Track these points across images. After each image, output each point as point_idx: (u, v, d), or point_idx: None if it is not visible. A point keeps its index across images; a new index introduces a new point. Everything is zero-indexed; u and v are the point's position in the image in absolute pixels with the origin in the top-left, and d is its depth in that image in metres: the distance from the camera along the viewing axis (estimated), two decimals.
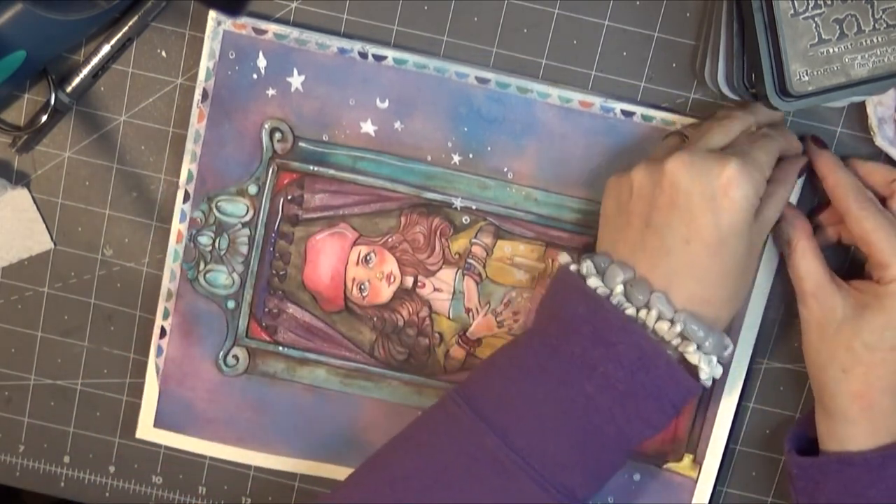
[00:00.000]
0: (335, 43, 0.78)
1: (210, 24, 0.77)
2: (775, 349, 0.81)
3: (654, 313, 0.67)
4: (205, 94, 0.78)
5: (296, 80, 0.78)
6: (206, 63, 0.78)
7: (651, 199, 0.69)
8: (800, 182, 0.77)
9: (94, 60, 0.78)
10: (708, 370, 0.69)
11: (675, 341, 0.68)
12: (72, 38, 0.77)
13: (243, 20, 0.77)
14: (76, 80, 0.78)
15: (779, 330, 0.81)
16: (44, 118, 0.78)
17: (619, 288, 0.68)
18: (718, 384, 0.80)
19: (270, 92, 0.79)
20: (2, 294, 0.83)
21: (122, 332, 0.83)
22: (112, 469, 0.85)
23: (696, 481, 0.82)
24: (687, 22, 0.77)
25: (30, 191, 0.81)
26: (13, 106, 0.80)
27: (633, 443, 0.70)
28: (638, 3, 0.77)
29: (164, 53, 0.79)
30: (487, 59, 0.78)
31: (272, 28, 0.77)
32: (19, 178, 0.81)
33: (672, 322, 0.67)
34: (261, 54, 0.78)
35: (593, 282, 0.69)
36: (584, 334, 0.68)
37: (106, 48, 0.78)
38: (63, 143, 0.80)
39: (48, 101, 0.78)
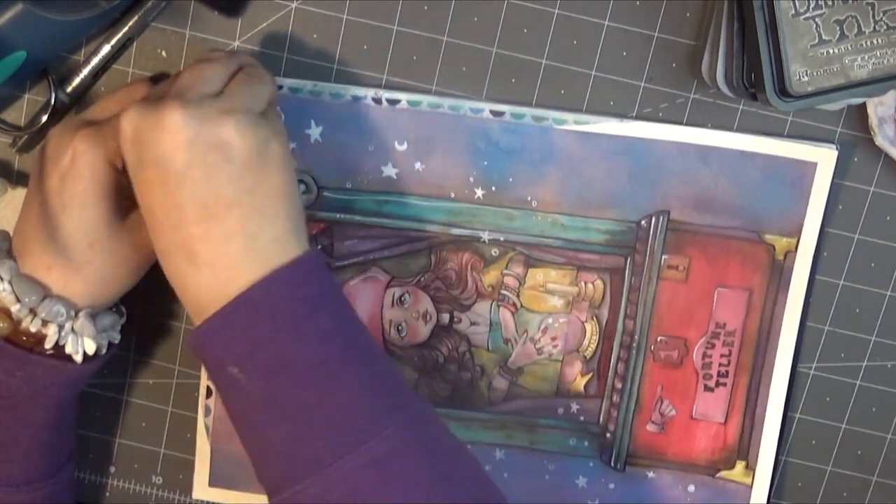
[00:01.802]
0: (348, 92, 0.78)
1: None
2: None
3: None
4: None
5: (314, 132, 0.79)
6: None
7: (32, 169, 0.73)
8: None
9: (94, 60, 0.78)
10: (50, 340, 0.69)
11: (15, 308, 0.69)
12: (72, 38, 0.77)
13: None
14: (76, 80, 0.78)
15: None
16: (44, 118, 0.78)
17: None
18: (763, 388, 0.82)
19: (291, 145, 0.79)
20: None
21: (123, 331, 0.83)
22: (112, 469, 0.85)
23: (751, 487, 0.83)
24: (687, 22, 0.77)
25: None
26: (13, 106, 0.80)
27: (40, 419, 0.72)
28: (638, 3, 0.77)
29: (164, 53, 0.79)
30: (487, 59, 0.78)
31: (286, 83, 0.78)
32: (19, 179, 0.81)
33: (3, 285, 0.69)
34: (277, 109, 0.78)
35: None
36: None
37: (106, 48, 0.77)
38: None
39: (48, 100, 0.78)
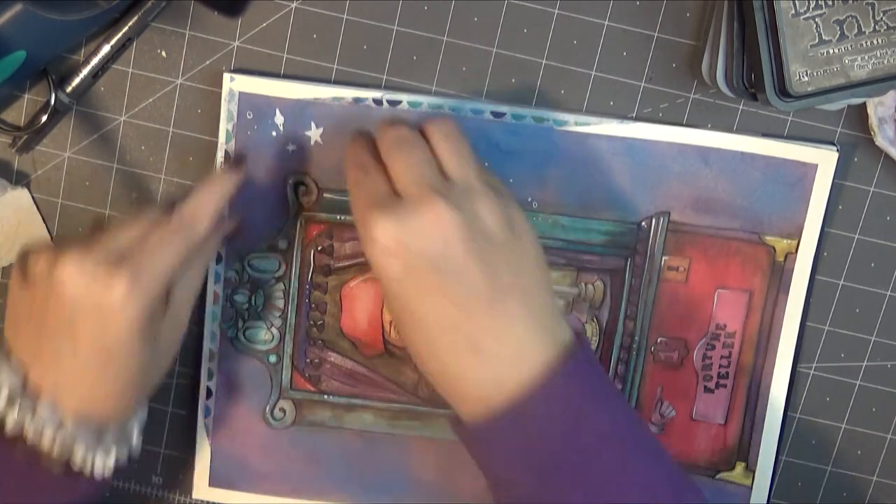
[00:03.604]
0: (349, 93, 0.78)
1: (225, 87, 0.78)
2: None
3: (34, 426, 0.66)
4: (227, 156, 0.79)
5: (314, 134, 0.79)
6: (224, 125, 0.78)
7: (45, 299, 0.66)
8: None
9: (94, 60, 0.78)
10: (101, 462, 0.68)
11: (58, 450, 0.66)
12: (72, 38, 0.77)
13: (257, 80, 0.78)
14: (76, 80, 0.78)
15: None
16: (44, 118, 0.78)
17: (5, 392, 0.66)
18: (763, 389, 0.82)
19: (291, 147, 0.79)
20: (2, 294, 0.83)
21: None
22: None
23: (751, 488, 0.83)
24: (687, 22, 0.77)
25: (30, 191, 0.81)
26: (13, 106, 0.80)
27: None
28: (638, 3, 0.77)
29: (164, 53, 0.79)
30: (487, 59, 0.78)
31: (287, 85, 0.78)
32: (19, 179, 0.81)
33: (56, 431, 0.66)
34: (277, 111, 0.78)
35: None
36: None
37: (106, 48, 0.77)
38: (63, 144, 0.80)
39: (48, 101, 0.78)
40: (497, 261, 0.63)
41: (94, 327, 0.65)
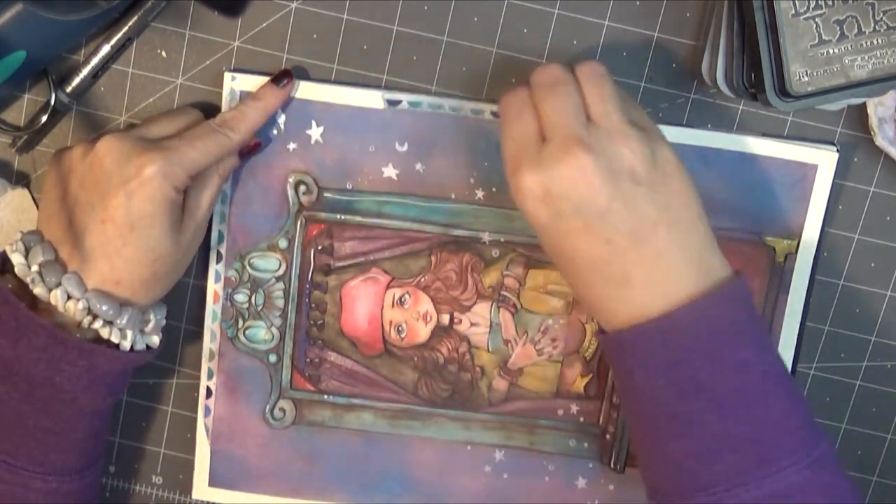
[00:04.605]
0: (349, 93, 0.78)
1: (226, 86, 0.78)
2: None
3: (59, 293, 0.69)
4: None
5: (315, 132, 0.79)
6: None
7: (81, 178, 0.71)
8: None
9: (94, 60, 0.78)
10: (127, 342, 0.72)
11: (87, 320, 0.70)
12: (72, 38, 0.77)
13: (258, 80, 0.78)
14: (76, 80, 0.78)
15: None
16: (44, 118, 0.78)
17: (35, 268, 0.70)
18: None
19: (291, 146, 0.79)
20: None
21: None
22: (112, 469, 0.85)
23: None
24: (687, 22, 0.77)
25: (30, 191, 0.81)
26: (13, 106, 0.80)
27: (97, 407, 0.73)
28: (638, 3, 0.76)
29: (164, 53, 0.79)
30: (487, 59, 0.78)
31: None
32: (19, 179, 0.81)
33: (77, 301, 0.70)
34: (278, 110, 0.78)
35: (17, 258, 0.71)
36: (5, 334, 0.70)
37: (106, 48, 0.77)
38: (63, 144, 0.80)
39: (48, 101, 0.78)
40: (642, 200, 0.66)
41: (122, 200, 0.69)
